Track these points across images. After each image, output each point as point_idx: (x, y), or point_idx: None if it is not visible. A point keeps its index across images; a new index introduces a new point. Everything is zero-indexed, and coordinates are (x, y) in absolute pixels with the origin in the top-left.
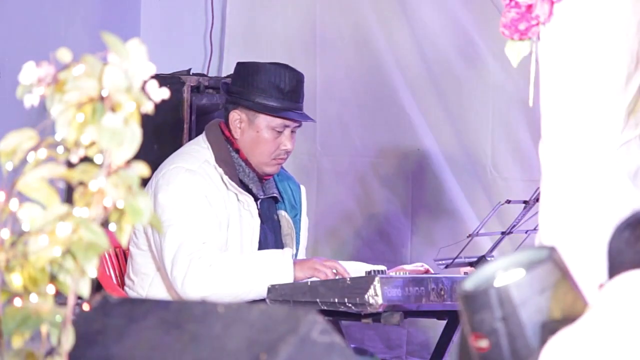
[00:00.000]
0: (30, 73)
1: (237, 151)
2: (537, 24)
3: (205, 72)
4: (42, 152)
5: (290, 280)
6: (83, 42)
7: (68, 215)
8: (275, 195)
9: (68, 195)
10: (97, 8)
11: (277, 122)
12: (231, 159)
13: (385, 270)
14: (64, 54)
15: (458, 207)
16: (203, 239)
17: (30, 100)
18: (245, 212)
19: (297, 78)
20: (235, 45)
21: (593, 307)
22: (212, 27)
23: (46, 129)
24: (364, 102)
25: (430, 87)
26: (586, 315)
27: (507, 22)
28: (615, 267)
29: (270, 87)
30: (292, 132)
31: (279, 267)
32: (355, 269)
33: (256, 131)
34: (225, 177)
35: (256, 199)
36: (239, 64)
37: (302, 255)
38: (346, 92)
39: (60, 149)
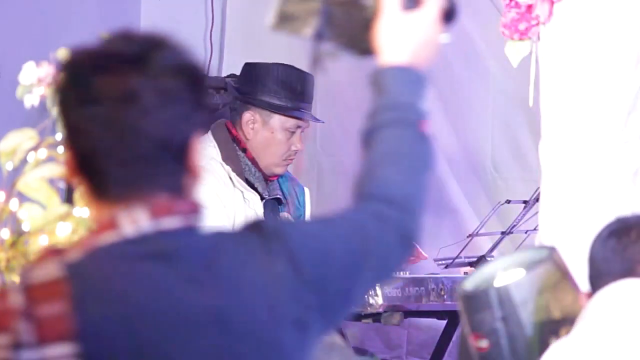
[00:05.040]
0: (30, 73)
1: (244, 150)
2: (537, 24)
3: (205, 72)
4: (42, 152)
5: None
6: (83, 42)
7: (68, 215)
8: (279, 196)
9: (68, 195)
10: (97, 8)
11: (292, 122)
12: (238, 158)
13: None
14: (64, 54)
15: (458, 207)
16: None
17: (30, 100)
18: (250, 211)
19: (307, 78)
20: (235, 45)
21: (586, 317)
22: (212, 27)
23: (46, 129)
24: (363, 102)
25: (430, 87)
26: (579, 326)
27: (507, 22)
28: (602, 275)
29: (282, 88)
30: (302, 132)
31: None
32: None
33: (270, 132)
34: (233, 175)
35: (261, 198)
36: (247, 64)
37: None
38: (346, 92)
39: (60, 149)
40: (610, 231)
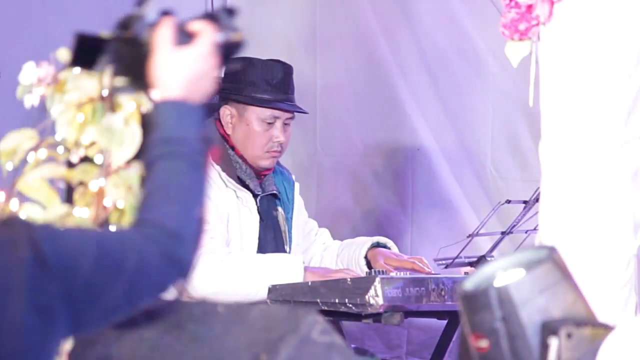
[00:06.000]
0: (30, 73)
1: (233, 148)
2: (537, 24)
3: None
4: (42, 152)
5: None
6: None
7: (68, 215)
8: (274, 192)
9: (68, 195)
10: (97, 8)
11: (266, 113)
12: (228, 156)
13: (385, 271)
14: (64, 54)
15: (458, 207)
16: (211, 234)
17: (30, 100)
18: (244, 209)
19: (284, 70)
20: None
21: None
22: None
23: (46, 129)
24: (364, 102)
25: (430, 87)
26: None
27: (507, 22)
28: None
29: (260, 80)
30: (286, 124)
31: (289, 271)
32: (362, 242)
33: (246, 124)
34: (224, 175)
35: (255, 196)
36: None
37: (295, 251)
38: (346, 92)
39: (60, 149)
40: None
